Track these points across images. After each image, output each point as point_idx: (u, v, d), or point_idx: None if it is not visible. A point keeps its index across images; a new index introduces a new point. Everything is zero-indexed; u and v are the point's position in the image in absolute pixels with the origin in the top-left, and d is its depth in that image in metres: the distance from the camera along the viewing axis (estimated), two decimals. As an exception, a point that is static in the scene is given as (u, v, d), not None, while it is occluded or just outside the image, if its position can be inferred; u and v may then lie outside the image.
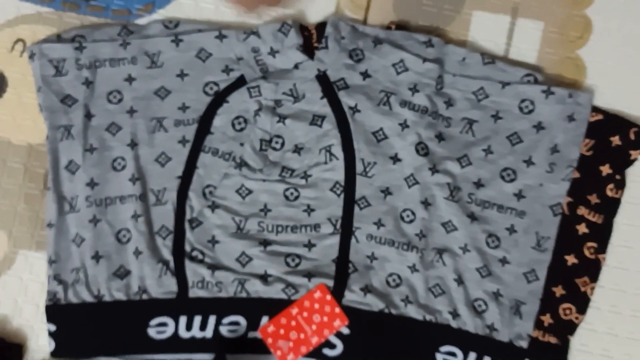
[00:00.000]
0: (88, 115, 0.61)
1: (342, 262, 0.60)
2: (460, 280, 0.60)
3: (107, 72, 0.62)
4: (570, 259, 0.60)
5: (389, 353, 0.59)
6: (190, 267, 0.60)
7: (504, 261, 0.60)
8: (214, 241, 0.60)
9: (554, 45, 0.64)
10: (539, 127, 0.61)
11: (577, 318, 0.60)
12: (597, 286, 0.61)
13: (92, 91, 0.62)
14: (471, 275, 0.60)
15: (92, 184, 0.60)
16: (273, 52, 0.62)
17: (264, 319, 0.59)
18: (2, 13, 0.63)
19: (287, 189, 0.61)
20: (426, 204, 0.60)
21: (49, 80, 0.61)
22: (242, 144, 0.61)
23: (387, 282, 0.60)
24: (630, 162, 0.61)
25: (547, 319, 0.60)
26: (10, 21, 0.63)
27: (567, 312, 0.60)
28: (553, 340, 0.60)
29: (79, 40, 0.62)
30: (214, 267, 0.60)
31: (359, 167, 0.61)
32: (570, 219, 0.60)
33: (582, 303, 0.60)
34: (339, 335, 0.59)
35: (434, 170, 0.60)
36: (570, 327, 0.60)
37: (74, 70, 0.61)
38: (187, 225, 0.60)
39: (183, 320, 0.59)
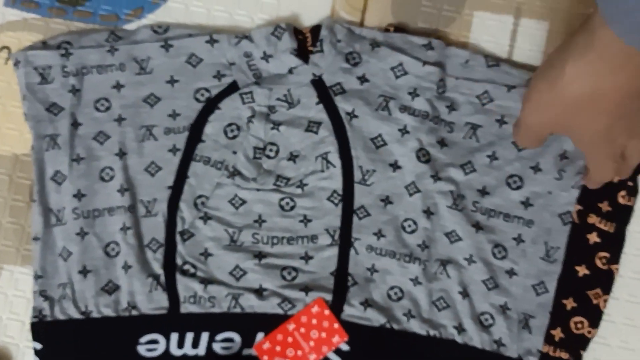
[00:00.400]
0: (75, 124, 0.59)
1: (341, 275, 0.57)
2: (465, 293, 0.57)
3: (94, 79, 0.60)
4: (582, 270, 0.57)
5: (390, 370, 0.56)
6: (181, 282, 0.57)
7: (511, 273, 0.57)
8: (206, 254, 0.58)
9: (560, 46, 0.61)
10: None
11: (589, 332, 0.57)
12: (610, 298, 0.58)
13: (79, 99, 0.59)
14: (477, 288, 0.57)
15: (79, 195, 0.58)
16: (266, 57, 0.59)
17: (259, 336, 0.57)
18: (-14, 20, 0.62)
19: (282, 199, 0.58)
20: (428, 213, 0.58)
21: (35, 88, 0.59)
22: (235, 152, 0.59)
23: (389, 296, 0.57)
24: (643, 168, 0.58)
25: (557, 334, 0.57)
26: (-6, 28, 0.61)
27: (579, 326, 0.57)
28: (564, 355, 0.57)
29: (65, 46, 0.60)
30: (206, 281, 0.57)
31: (357, 175, 0.58)
32: (580, 228, 0.57)
33: (594, 316, 0.57)
34: (338, 352, 0.56)
35: (436, 177, 0.58)
36: (582, 342, 0.57)
37: (60, 77, 0.59)
38: (178, 238, 0.58)
39: (174, 337, 0.57)
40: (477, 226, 0.57)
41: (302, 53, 0.60)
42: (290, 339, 0.56)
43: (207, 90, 0.60)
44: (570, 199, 0.58)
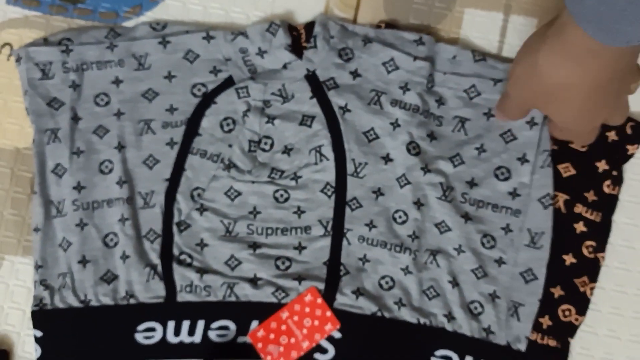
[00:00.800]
0: (75, 119, 0.61)
1: (334, 265, 0.59)
2: (455, 282, 0.58)
3: (94, 75, 0.61)
4: (569, 259, 0.59)
5: (382, 357, 0.57)
6: (178, 271, 0.59)
7: (500, 262, 0.58)
8: (202, 244, 0.59)
9: (548, 42, 0.63)
10: (532, 123, 0.59)
11: (576, 319, 0.58)
12: (598, 288, 0.59)
13: (79, 94, 0.61)
14: (466, 277, 0.58)
15: (79, 187, 0.60)
16: (261, 53, 0.61)
17: (254, 323, 0.58)
18: (-11, 17, 0.63)
19: (276, 191, 0.60)
20: (419, 204, 0.59)
21: (36, 83, 0.61)
22: (230, 146, 0.60)
23: (380, 285, 0.59)
24: (627, 157, 0.59)
25: (545, 321, 0.58)
26: (-3, 25, 0.63)
27: (567, 313, 0.58)
28: (552, 343, 0.58)
29: (66, 43, 0.61)
30: (202, 270, 0.59)
31: (350, 168, 0.60)
32: (567, 217, 0.59)
33: (581, 304, 0.58)
34: (330, 339, 0.58)
35: (426, 169, 0.59)
36: (570, 329, 0.58)
37: (60, 73, 0.61)
38: (175, 229, 0.59)
39: (171, 325, 0.58)
40: (466, 217, 0.59)
41: (296, 49, 0.61)
42: (283, 327, 0.58)
43: (203, 85, 0.61)
44: (544, 181, 0.58)
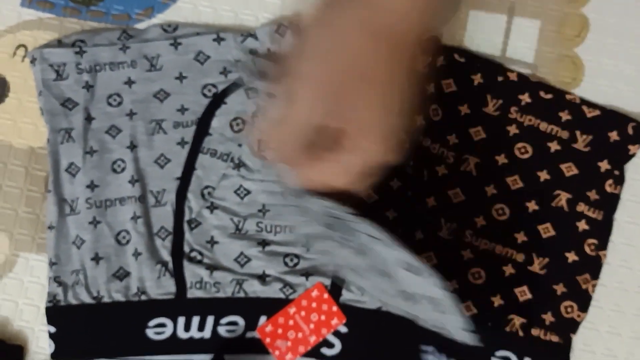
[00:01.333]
0: (88, 118, 0.62)
1: (340, 262, 0.60)
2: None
3: (107, 76, 0.62)
4: (571, 257, 0.60)
5: (387, 351, 0.59)
6: (188, 268, 0.60)
7: (503, 259, 0.60)
8: (212, 242, 0.60)
9: (551, 44, 0.64)
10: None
11: (579, 316, 0.59)
12: (599, 285, 0.60)
13: (93, 95, 0.62)
14: (471, 274, 0.60)
15: (92, 186, 0.61)
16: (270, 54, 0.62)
17: (262, 319, 0.59)
18: (4, 19, 0.64)
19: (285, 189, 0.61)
20: (424, 202, 0.60)
21: (50, 84, 0.62)
22: (240, 145, 0.61)
23: (386, 281, 0.60)
24: (629, 157, 0.60)
25: (548, 318, 0.59)
26: (11, 27, 0.64)
27: (569, 310, 0.59)
28: (555, 338, 0.59)
29: (80, 44, 0.63)
30: (212, 267, 0.60)
31: (357, 167, 0.61)
32: (570, 216, 0.60)
33: (583, 301, 0.59)
34: (336, 334, 0.59)
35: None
36: (572, 325, 0.59)
37: (74, 74, 0.62)
38: (186, 226, 0.61)
39: (181, 320, 0.59)
40: None
41: (304, 50, 0.62)
42: (291, 322, 0.59)
43: (214, 86, 0.62)
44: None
